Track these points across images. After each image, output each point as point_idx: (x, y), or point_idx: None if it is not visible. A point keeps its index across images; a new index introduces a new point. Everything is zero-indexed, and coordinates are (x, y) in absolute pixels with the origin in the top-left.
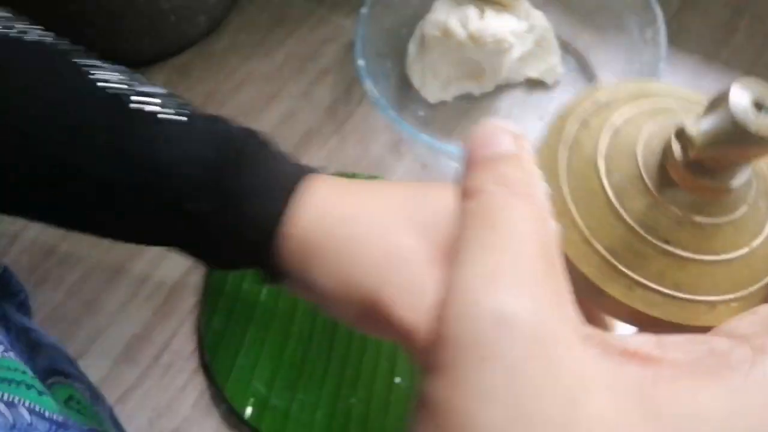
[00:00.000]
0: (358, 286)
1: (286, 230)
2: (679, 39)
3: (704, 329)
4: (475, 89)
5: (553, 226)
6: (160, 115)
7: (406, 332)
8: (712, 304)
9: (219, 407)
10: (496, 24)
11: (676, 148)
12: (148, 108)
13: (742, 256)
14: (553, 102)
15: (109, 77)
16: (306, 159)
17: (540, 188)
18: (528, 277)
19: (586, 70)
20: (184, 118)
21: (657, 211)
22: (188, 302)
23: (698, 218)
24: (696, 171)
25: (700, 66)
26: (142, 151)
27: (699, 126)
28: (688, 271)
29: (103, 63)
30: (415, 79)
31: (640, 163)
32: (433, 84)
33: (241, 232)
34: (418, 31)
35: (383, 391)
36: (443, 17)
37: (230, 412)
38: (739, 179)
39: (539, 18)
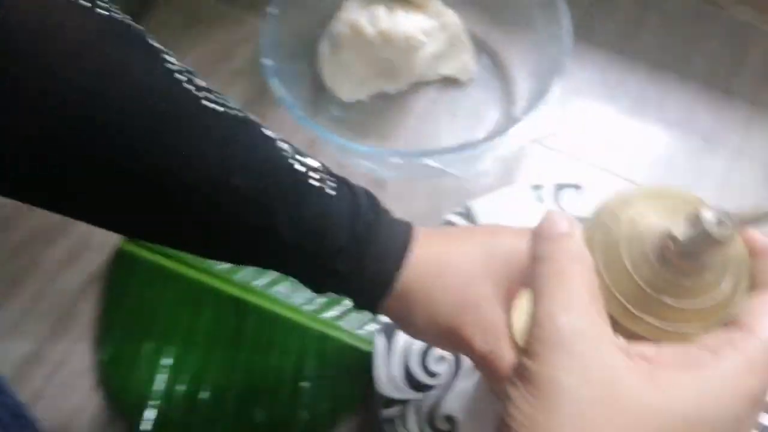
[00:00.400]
0: (446, 324)
1: (396, 285)
2: (589, 34)
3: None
4: (390, 88)
5: (596, 281)
6: (320, 188)
7: (481, 357)
8: (686, 333)
9: (117, 424)
10: (406, 22)
11: (668, 243)
12: (311, 182)
13: (707, 305)
14: (467, 99)
15: (286, 147)
16: None
17: (587, 257)
18: (584, 307)
19: (499, 67)
20: (334, 192)
21: (657, 277)
22: (87, 316)
23: (683, 282)
24: (683, 256)
25: (608, 61)
26: (310, 218)
27: (681, 230)
28: (674, 313)
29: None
30: (328, 79)
31: (648, 247)
32: (347, 83)
33: (362, 287)
34: (330, 31)
35: (289, 398)
36: (353, 16)
37: (129, 429)
38: (710, 262)
39: (451, 16)
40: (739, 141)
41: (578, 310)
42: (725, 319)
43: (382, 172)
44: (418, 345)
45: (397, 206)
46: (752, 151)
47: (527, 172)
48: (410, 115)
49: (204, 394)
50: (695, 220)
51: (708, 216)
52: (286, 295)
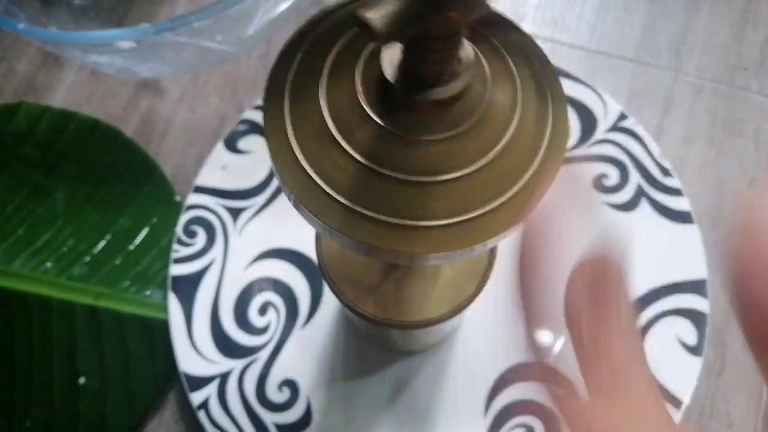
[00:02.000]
0: None
1: None
2: None
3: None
4: None
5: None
6: None
7: None
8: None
9: None
10: None
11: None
12: None
13: (474, 173)
14: None
15: None
16: None
17: None
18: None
19: None
20: None
21: (383, 141)
22: None
23: (424, 137)
24: (409, 87)
25: None
26: None
27: (380, 11)
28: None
29: None
30: None
31: (359, 90)
32: None
33: None
34: None
35: (65, 402)
36: None
37: None
38: (454, 88)
39: None
40: None
41: None
42: None
43: (142, 71)
44: (229, 295)
45: (186, 118)
46: None
47: None
48: None
49: None
50: None
51: None
52: (50, 269)
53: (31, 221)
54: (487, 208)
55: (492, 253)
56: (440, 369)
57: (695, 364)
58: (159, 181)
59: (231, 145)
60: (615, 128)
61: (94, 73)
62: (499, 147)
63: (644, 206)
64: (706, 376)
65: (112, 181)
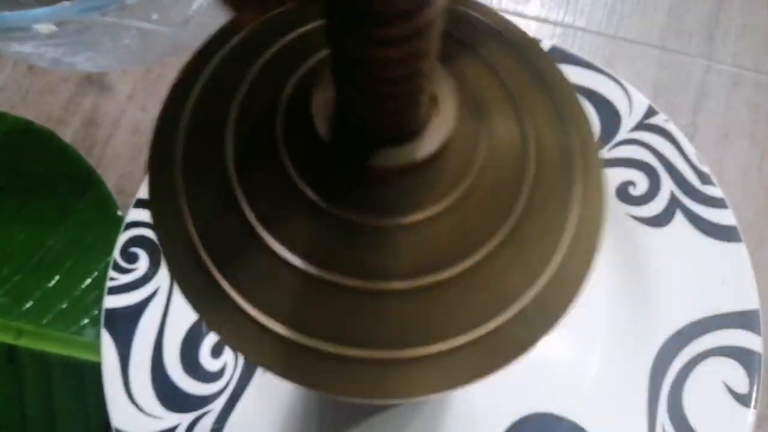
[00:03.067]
0: None
1: None
2: None
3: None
4: None
5: None
6: None
7: None
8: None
9: None
10: None
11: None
12: None
13: (474, 267)
14: None
15: None
16: None
17: None
18: None
19: None
20: None
21: (334, 234)
22: None
23: (393, 222)
24: (359, 147)
25: None
26: None
27: None
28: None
29: None
30: None
31: (285, 157)
32: None
33: None
34: None
35: None
36: None
37: None
38: (431, 141)
39: None
40: None
41: None
42: None
43: (80, 63)
44: (176, 331)
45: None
46: None
47: None
48: None
49: None
50: None
51: None
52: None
53: None
54: (499, 320)
55: None
56: (433, 424)
57: (746, 416)
58: (99, 194)
59: None
60: (642, 126)
61: (32, 68)
62: (510, 222)
63: (679, 220)
64: (759, 431)
65: (44, 194)
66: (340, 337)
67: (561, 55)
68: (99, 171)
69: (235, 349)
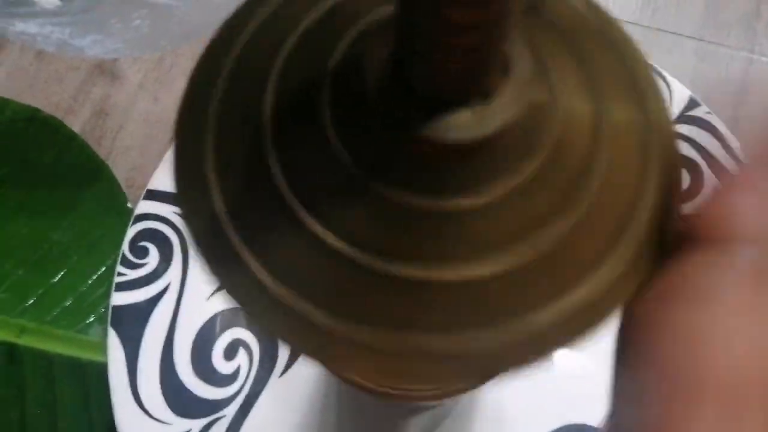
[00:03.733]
0: None
1: None
2: None
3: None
4: None
5: None
6: None
7: None
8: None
9: None
10: None
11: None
12: None
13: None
14: None
15: None
16: None
17: None
18: None
19: None
20: None
21: (384, 218)
22: None
23: (453, 206)
24: (418, 117)
25: None
26: None
27: None
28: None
29: None
30: None
31: (331, 135)
32: None
33: None
34: None
35: None
36: None
37: None
38: (501, 112)
39: None
40: None
41: None
42: None
43: (88, 47)
44: (187, 331)
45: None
46: None
47: None
48: None
49: None
50: None
51: None
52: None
53: None
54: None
55: None
56: (462, 429)
57: None
58: (107, 186)
59: None
60: (683, 119)
61: (39, 54)
62: (580, 210)
63: None
64: None
65: (50, 186)
66: (388, 328)
67: None
68: (108, 163)
69: (267, 330)
